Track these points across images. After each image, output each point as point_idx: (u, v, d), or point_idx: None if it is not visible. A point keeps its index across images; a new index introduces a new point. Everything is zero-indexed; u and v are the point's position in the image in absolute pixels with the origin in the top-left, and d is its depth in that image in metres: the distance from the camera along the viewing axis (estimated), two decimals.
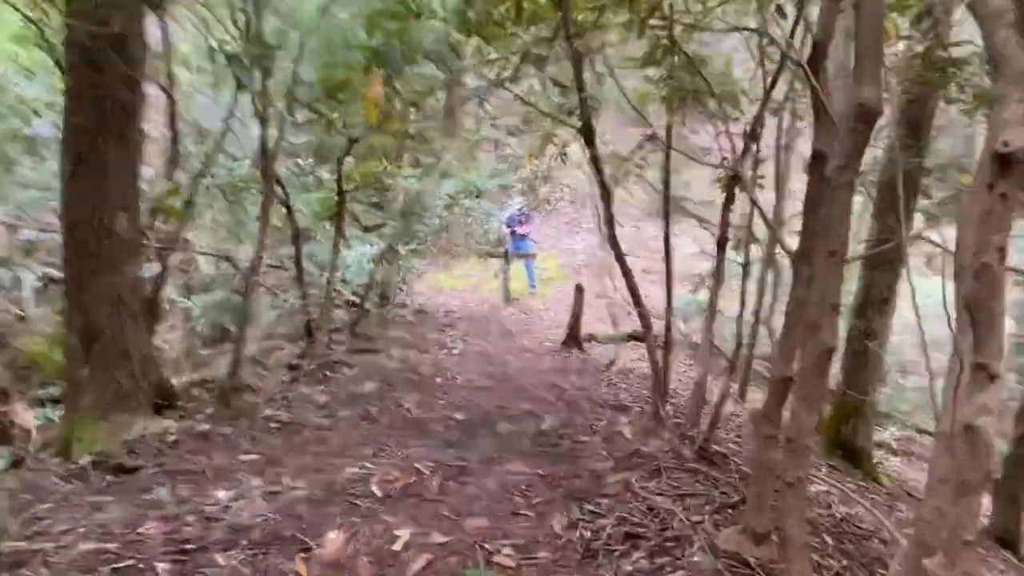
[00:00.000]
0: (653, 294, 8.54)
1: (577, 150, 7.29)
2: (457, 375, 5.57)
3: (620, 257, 4.17)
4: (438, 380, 5.35)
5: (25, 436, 5.11)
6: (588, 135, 3.81)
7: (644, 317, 4.30)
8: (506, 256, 9.89)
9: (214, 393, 4.75)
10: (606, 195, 4.05)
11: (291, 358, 6.12)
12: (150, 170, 7.64)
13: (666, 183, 4.80)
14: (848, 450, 4.92)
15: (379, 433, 4.09)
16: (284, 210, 5.91)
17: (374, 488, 3.17)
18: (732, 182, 3.89)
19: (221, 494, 3.22)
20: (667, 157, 4.81)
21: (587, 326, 7.38)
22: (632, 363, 6.38)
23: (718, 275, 4.12)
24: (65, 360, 4.36)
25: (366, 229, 8.42)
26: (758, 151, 4.21)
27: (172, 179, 5.69)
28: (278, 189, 5.70)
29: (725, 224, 4.00)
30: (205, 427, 4.28)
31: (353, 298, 7.70)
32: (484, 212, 8.80)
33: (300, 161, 6.34)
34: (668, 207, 4.97)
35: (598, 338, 7.64)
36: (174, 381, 5.63)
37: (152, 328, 5.31)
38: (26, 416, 5.46)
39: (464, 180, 7.50)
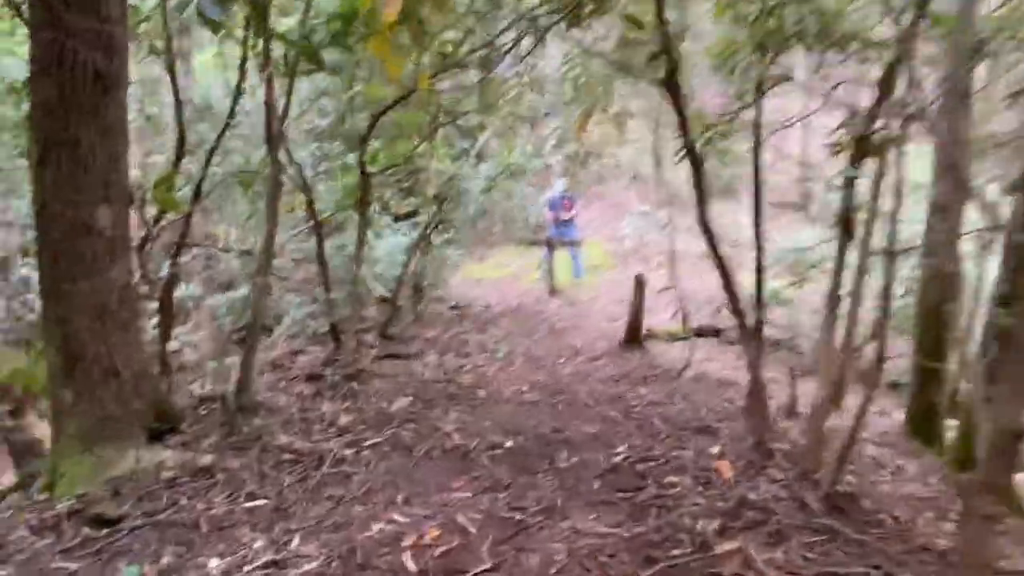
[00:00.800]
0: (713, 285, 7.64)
1: (631, 123, 6.42)
2: (502, 385, 4.79)
3: (712, 243, 3.30)
4: (480, 393, 4.58)
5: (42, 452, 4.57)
6: (673, 83, 2.94)
7: (741, 317, 3.44)
8: (549, 244, 9.04)
9: (220, 414, 4.07)
10: (696, 166, 3.17)
11: (315, 365, 5.44)
12: (159, 158, 7.06)
13: (757, 147, 3.91)
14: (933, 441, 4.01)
15: (412, 468, 3.34)
16: (304, 198, 5.19)
17: (406, 559, 2.41)
18: (862, 145, 2.97)
19: (213, 564, 2.51)
20: (757, 120, 3.92)
21: (644, 321, 6.51)
22: (706, 366, 5.50)
23: (840, 263, 3.23)
24: (47, 380, 3.74)
25: (396, 218, 7.69)
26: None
27: (177, 167, 5.02)
28: (295, 173, 4.99)
29: (850, 199, 3.10)
30: (208, 459, 3.59)
31: (385, 294, 6.99)
32: (525, 196, 7.97)
33: (325, 145, 5.61)
34: (759, 180, 4.07)
35: (659, 335, 6.76)
36: (191, 391, 5.00)
37: (167, 332, 4.68)
38: (40, 429, 4.93)
39: (504, 160, 6.66)
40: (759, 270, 4.04)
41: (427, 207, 7.03)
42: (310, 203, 5.09)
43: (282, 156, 4.94)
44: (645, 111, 7.17)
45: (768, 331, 7.97)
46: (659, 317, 7.35)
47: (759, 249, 4.06)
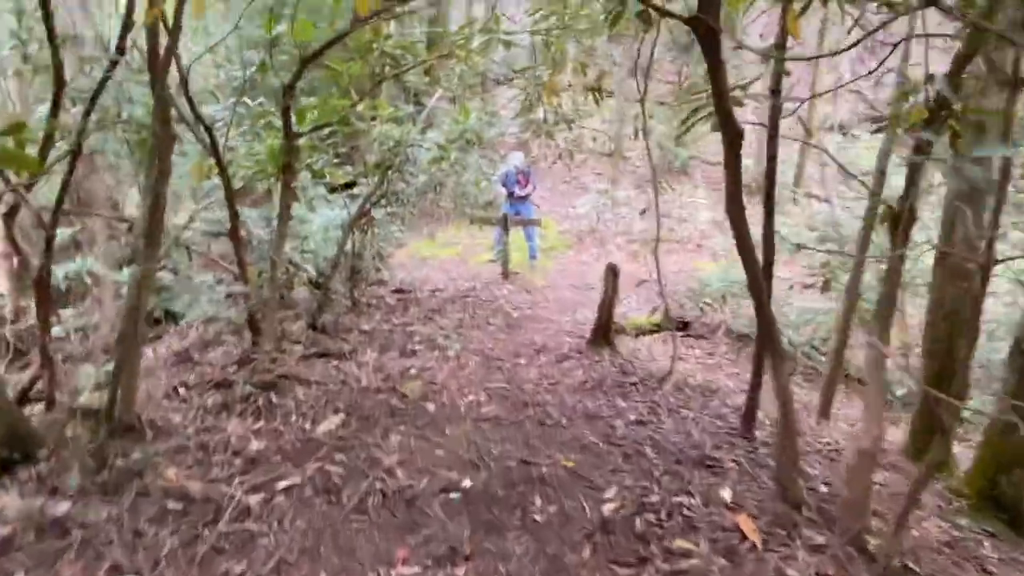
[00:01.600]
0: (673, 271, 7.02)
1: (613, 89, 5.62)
2: (456, 395, 4.00)
3: (745, 240, 2.58)
4: (429, 407, 3.77)
5: None
6: (712, 14, 2.16)
7: (768, 326, 2.76)
8: (504, 222, 8.21)
9: (88, 440, 3.11)
10: (734, 138, 2.41)
11: (227, 362, 4.49)
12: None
13: (774, 123, 3.21)
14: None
15: (341, 524, 2.52)
16: (213, 161, 4.18)
17: None
18: (938, 117, 2.29)
19: None
20: (776, 87, 3.21)
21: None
22: (681, 367, 4.86)
23: (894, 268, 2.57)
24: None
25: (333, 189, 6.70)
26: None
27: (55, 115, 3.92)
28: (199, 129, 3.97)
29: (913, 190, 2.43)
30: (63, 508, 2.67)
31: (316, 276, 6.04)
32: (480, 167, 7.10)
33: (248, 100, 4.57)
34: (774, 165, 3.38)
35: (626, 329, 6.10)
36: (68, 402, 3.98)
37: (46, 318, 3.64)
38: None
39: (458, 125, 5.77)
40: (768, 270, 3.38)
41: (369, 177, 6.09)
42: (220, 167, 4.09)
43: (184, 108, 3.92)
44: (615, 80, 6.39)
45: (733, 323, 7.52)
46: (621, 307, 6.70)
47: (769, 247, 3.40)
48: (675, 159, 15.10)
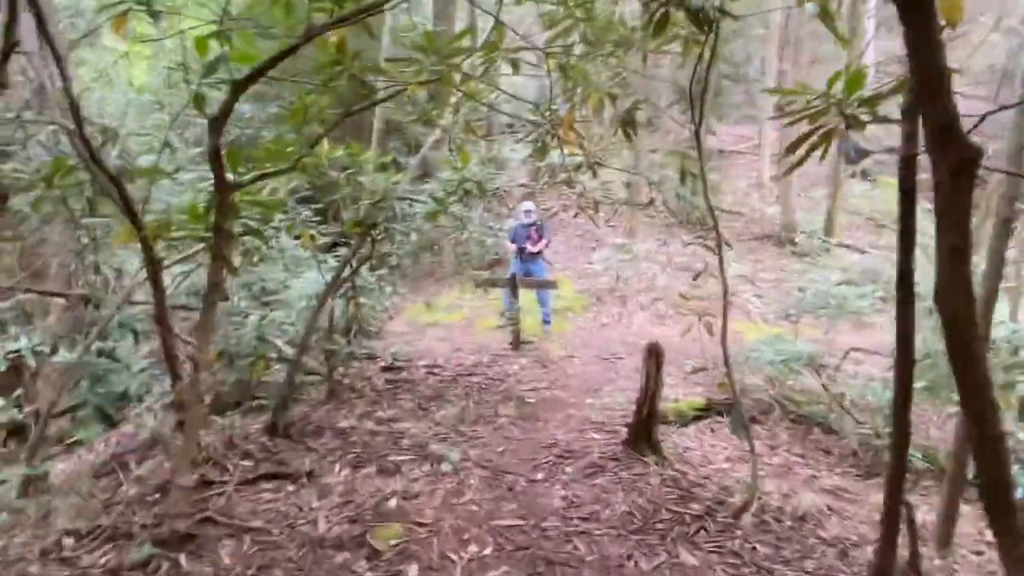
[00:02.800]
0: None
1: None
2: (447, 542, 2.81)
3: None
4: (410, 572, 2.58)
5: None
6: None
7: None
8: (513, 285, 7.12)
9: None
10: (963, 160, 1.32)
11: (143, 497, 3.33)
12: None
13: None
14: None
15: None
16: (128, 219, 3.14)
17: None
18: None
19: None
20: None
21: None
22: (741, 471, 3.63)
23: None
24: None
25: (331, 247, 5.71)
26: None
27: None
28: (99, 172, 2.95)
29: None
30: None
31: (287, 352, 4.92)
32: (483, 222, 6.09)
33: (173, 142, 3.60)
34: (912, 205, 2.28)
35: (667, 415, 4.91)
36: None
37: None
38: None
39: (457, 174, 4.75)
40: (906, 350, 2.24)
41: (353, 236, 5.05)
42: (137, 227, 3.05)
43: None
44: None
45: (789, 401, 6.29)
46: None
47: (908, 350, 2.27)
48: (693, 209, 14.15)
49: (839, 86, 1.93)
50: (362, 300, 5.59)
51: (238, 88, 2.74)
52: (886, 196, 17.72)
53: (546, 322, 8.04)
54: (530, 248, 7.73)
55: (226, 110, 2.76)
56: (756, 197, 16.13)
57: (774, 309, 9.64)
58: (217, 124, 2.75)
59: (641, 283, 10.23)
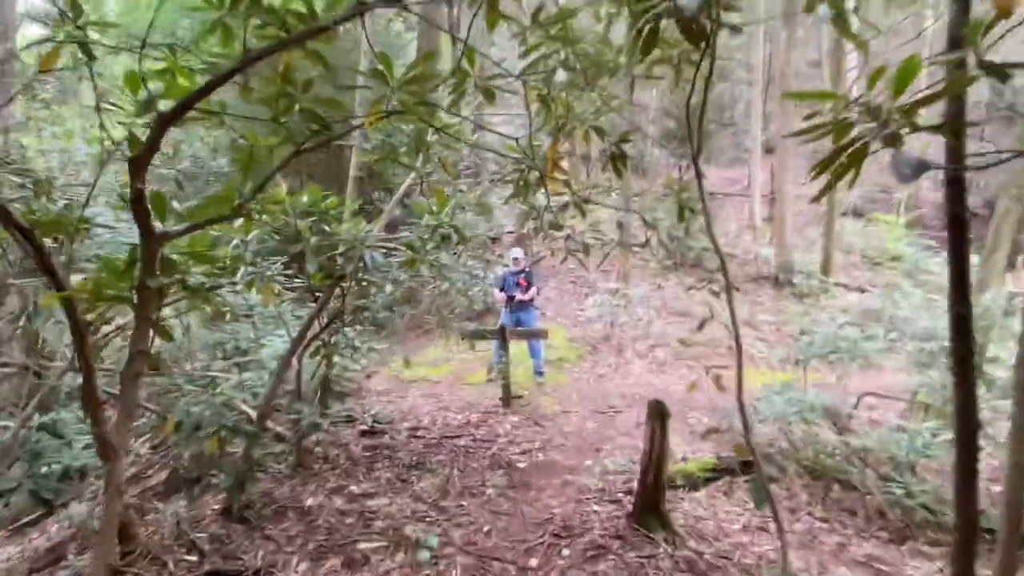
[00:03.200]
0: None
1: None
2: None
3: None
4: None
5: None
6: None
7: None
8: (502, 336, 6.66)
9: None
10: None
11: None
12: None
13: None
14: None
15: None
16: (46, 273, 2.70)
17: None
18: None
19: None
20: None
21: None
22: (764, 546, 3.13)
23: None
24: None
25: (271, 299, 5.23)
26: None
27: None
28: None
29: None
30: None
31: (249, 421, 4.40)
32: (468, 271, 5.68)
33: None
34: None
35: (674, 478, 4.40)
36: None
37: None
38: None
39: (433, 219, 4.36)
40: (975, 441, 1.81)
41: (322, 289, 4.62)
42: (58, 288, 2.61)
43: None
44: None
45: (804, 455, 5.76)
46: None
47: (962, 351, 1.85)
48: (687, 251, 13.85)
49: (880, 87, 1.55)
50: (335, 358, 5.12)
51: (164, 122, 2.35)
52: (879, 233, 17.56)
53: (539, 373, 7.56)
54: (520, 296, 7.31)
55: (150, 147, 2.36)
56: (748, 239, 15.89)
57: (778, 353, 9.20)
58: (138, 164, 2.35)
59: (637, 329, 9.79)
